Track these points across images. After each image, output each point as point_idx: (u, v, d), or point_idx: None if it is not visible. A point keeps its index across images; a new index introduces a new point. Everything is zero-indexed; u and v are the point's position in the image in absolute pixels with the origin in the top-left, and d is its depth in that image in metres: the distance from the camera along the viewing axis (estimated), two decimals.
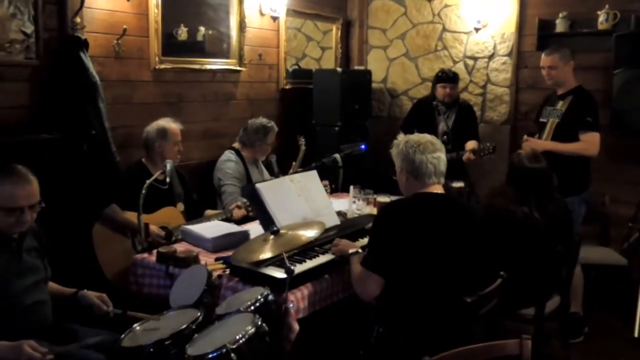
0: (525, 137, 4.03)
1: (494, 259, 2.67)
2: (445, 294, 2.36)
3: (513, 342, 2.06)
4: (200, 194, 3.91)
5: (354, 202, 3.60)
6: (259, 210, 2.91)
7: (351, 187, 3.64)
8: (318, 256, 2.70)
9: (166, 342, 2.08)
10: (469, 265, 2.41)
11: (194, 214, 3.59)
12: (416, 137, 2.49)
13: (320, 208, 3.07)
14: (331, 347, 2.79)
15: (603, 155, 3.94)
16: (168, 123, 3.63)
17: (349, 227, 3.08)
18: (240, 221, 3.44)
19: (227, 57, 4.56)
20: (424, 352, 1.91)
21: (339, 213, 3.30)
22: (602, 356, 1.98)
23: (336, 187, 4.16)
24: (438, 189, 2.46)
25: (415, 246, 2.33)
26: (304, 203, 3.01)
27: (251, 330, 2.03)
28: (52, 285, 2.53)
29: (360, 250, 2.60)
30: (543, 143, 3.85)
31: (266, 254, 2.27)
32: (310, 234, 2.39)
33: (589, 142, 3.76)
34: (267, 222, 2.78)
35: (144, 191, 2.85)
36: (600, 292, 4.08)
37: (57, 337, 2.32)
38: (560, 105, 3.88)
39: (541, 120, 4.02)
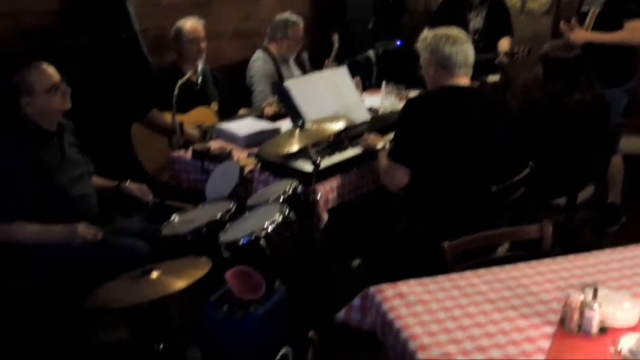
0: (562, 23, 3.84)
1: (526, 149, 2.67)
2: (471, 184, 2.40)
3: (534, 226, 2.10)
4: (234, 94, 3.94)
5: (387, 98, 3.58)
6: (288, 107, 2.96)
7: (383, 83, 3.60)
8: (347, 150, 2.76)
9: (203, 230, 2.21)
10: (497, 155, 2.42)
11: (228, 114, 3.63)
12: (444, 29, 2.45)
13: (349, 104, 3.08)
14: (358, 235, 2.90)
15: None
16: (183, 22, 3.59)
17: (378, 122, 3.09)
18: (272, 118, 3.48)
19: None
20: (448, 239, 1.98)
21: (371, 109, 3.31)
22: (635, 243, 2.01)
23: (370, 84, 4.12)
24: (466, 81, 2.44)
25: (441, 137, 2.34)
26: (333, 99, 3.02)
27: (279, 218, 2.14)
28: (96, 179, 2.68)
29: (387, 145, 2.63)
30: (585, 34, 3.66)
31: (292, 147, 2.33)
32: (335, 127, 2.42)
33: (634, 30, 3.56)
34: (296, 118, 2.81)
35: (176, 91, 2.90)
36: (638, 182, 4.03)
37: (103, 227, 2.49)
38: None
39: (582, 10, 3.81)
